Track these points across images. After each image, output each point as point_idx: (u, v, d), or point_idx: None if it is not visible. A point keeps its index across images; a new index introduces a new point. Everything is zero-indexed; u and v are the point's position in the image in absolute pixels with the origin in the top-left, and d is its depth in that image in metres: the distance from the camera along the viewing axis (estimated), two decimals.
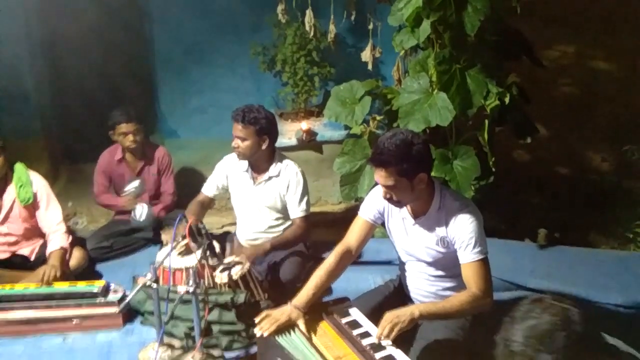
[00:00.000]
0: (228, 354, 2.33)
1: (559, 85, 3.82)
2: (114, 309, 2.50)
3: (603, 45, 3.76)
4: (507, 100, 2.77)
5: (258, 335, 2.00)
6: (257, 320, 2.04)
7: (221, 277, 2.43)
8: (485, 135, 2.80)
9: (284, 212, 2.83)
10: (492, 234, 2.67)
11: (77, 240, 3.06)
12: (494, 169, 2.90)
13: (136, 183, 3.19)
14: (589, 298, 2.66)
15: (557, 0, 3.58)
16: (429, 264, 2.19)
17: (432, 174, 2.28)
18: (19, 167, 2.86)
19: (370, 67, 3.33)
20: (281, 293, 2.50)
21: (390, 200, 2.07)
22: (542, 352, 1.12)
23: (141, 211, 3.08)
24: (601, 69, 3.84)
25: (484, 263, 2.03)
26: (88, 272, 2.93)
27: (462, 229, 2.04)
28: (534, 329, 1.14)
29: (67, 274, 2.71)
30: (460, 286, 2.12)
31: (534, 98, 3.16)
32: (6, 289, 2.57)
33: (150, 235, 3.23)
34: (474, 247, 2.02)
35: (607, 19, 3.66)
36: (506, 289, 2.77)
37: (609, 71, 3.83)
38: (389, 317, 1.92)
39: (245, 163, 2.82)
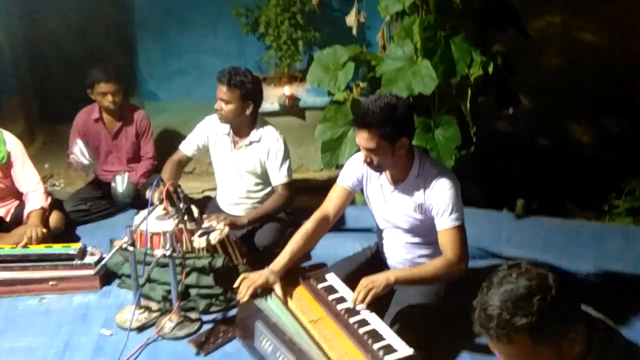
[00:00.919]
0: (205, 317, 2.35)
1: (544, 56, 3.80)
2: (91, 272, 2.49)
3: (590, 16, 3.73)
4: (490, 69, 2.75)
5: (240, 301, 2.02)
6: (235, 284, 2.06)
7: (199, 242, 2.42)
8: (468, 105, 2.79)
9: (264, 178, 2.81)
10: (470, 203, 2.69)
11: (55, 203, 3.01)
12: (474, 139, 2.90)
13: (79, 142, 2.90)
14: (563, 267, 2.72)
15: None
16: (406, 231, 2.21)
17: (414, 142, 2.28)
18: None
19: (354, 32, 3.26)
20: (259, 258, 2.51)
21: (370, 164, 2.07)
22: (518, 316, 1.13)
23: (121, 181, 3.02)
24: (587, 41, 3.82)
25: (460, 230, 2.06)
26: (66, 234, 2.90)
27: (440, 196, 2.05)
28: (510, 293, 1.15)
29: (45, 235, 2.67)
30: (436, 253, 2.15)
31: (519, 68, 3.14)
32: None
33: (128, 200, 3.20)
34: (450, 214, 2.04)
35: None
36: (482, 257, 2.81)
37: (595, 43, 3.82)
38: (365, 282, 1.96)
39: (227, 126, 2.78)
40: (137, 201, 3.04)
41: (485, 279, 1.24)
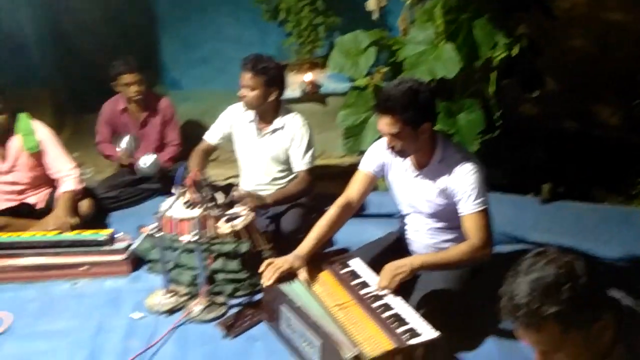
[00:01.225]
0: (232, 301, 2.40)
1: (570, 37, 3.71)
2: (121, 257, 2.56)
3: None
4: (515, 52, 2.71)
5: (265, 285, 2.05)
6: (261, 269, 2.09)
7: (225, 228, 2.46)
8: (492, 88, 2.76)
9: (288, 165, 2.83)
10: (495, 188, 2.68)
11: (85, 190, 3.10)
12: (499, 123, 2.87)
13: (126, 139, 3.17)
14: (590, 252, 2.69)
15: None
16: (430, 216, 2.21)
17: (437, 127, 2.27)
18: (22, 117, 2.86)
19: (375, 16, 3.24)
20: (283, 244, 2.54)
21: (393, 149, 2.07)
22: (546, 305, 1.12)
23: (146, 159, 3.10)
24: (614, 20, 3.71)
25: (484, 214, 2.05)
26: (95, 221, 2.98)
27: (463, 180, 2.04)
28: (538, 281, 1.14)
29: (75, 224, 2.73)
30: (459, 238, 2.15)
31: (544, 50, 3.08)
32: (15, 237, 2.62)
33: (157, 186, 3.27)
34: (474, 199, 2.03)
35: None
36: (507, 242, 2.81)
37: (622, 23, 3.71)
38: (389, 267, 1.97)
39: (251, 114, 2.80)
40: (163, 183, 3.12)
41: (511, 267, 1.23)
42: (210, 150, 2.97)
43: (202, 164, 2.80)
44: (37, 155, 2.88)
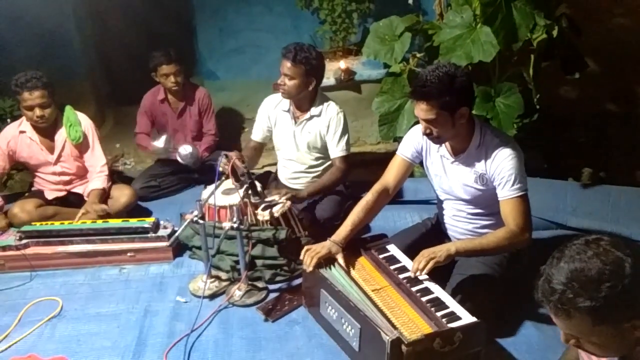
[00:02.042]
0: (271, 286, 2.46)
1: (613, 16, 3.58)
2: (165, 243, 2.65)
3: None
4: (555, 33, 2.63)
5: (307, 270, 2.10)
6: (301, 255, 2.13)
7: (263, 215, 2.52)
8: (531, 71, 2.69)
9: (324, 152, 2.86)
10: (534, 173, 2.64)
11: (127, 180, 3.20)
12: (538, 107, 2.81)
13: (164, 138, 3.25)
14: (632, 237, 2.63)
15: None
16: (467, 201, 2.20)
17: (474, 111, 2.25)
18: (67, 109, 2.98)
19: (411, 1, 3.21)
20: (320, 231, 2.58)
21: (429, 135, 2.06)
22: (581, 297, 1.10)
23: (185, 150, 3.18)
24: None
25: (523, 200, 2.02)
26: (138, 209, 3.09)
27: (502, 165, 2.02)
28: (580, 272, 1.11)
29: (104, 210, 2.84)
30: (497, 224, 2.13)
31: (585, 30, 2.98)
32: (65, 225, 2.75)
33: (195, 176, 3.35)
34: (513, 184, 2.01)
35: None
36: (546, 227, 2.77)
37: None
38: (425, 252, 1.97)
39: (287, 102, 2.83)
40: (201, 173, 3.21)
41: (553, 251, 1.19)
42: (259, 148, 3.02)
43: (253, 159, 2.86)
44: (81, 147, 2.99)
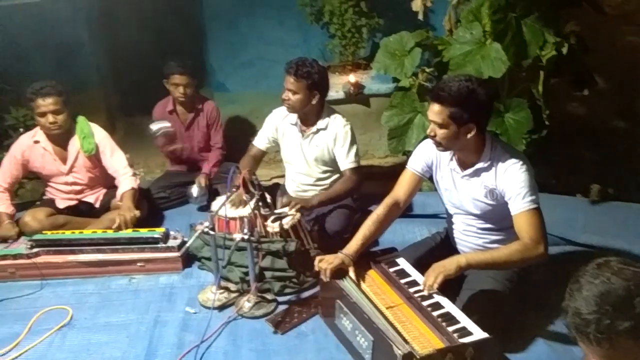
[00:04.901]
0: (280, 298, 2.46)
1: (622, 34, 3.60)
2: (175, 254, 2.66)
3: None
4: (564, 50, 2.66)
5: (324, 279, 2.10)
6: (315, 265, 2.14)
7: (273, 227, 2.53)
8: (540, 87, 2.72)
9: (332, 165, 2.88)
10: (543, 189, 2.63)
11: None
12: (547, 123, 2.82)
13: (165, 123, 3.27)
14: None
15: None
16: (477, 216, 2.21)
17: None
18: (81, 120, 3.01)
19: (421, 17, 3.24)
20: (329, 243, 2.59)
21: (433, 138, 2.07)
22: (619, 320, 1.07)
23: (196, 190, 3.19)
24: None
25: (536, 213, 2.02)
26: (148, 220, 3.10)
27: (513, 180, 2.03)
28: (606, 295, 1.09)
29: (138, 217, 2.82)
30: (508, 240, 2.13)
31: (594, 47, 3.01)
32: (76, 234, 2.77)
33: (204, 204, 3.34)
34: (524, 197, 2.01)
35: None
36: (555, 243, 2.76)
37: None
38: (436, 267, 1.97)
39: (294, 116, 2.86)
40: (211, 197, 3.18)
41: (563, 271, 1.19)
42: (260, 155, 3.04)
43: (252, 167, 2.86)
44: (95, 157, 3.02)
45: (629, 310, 1.07)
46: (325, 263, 2.11)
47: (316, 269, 2.14)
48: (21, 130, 3.42)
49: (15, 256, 2.66)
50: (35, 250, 2.68)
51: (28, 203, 3.22)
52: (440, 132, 2.03)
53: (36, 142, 2.95)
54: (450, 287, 2.02)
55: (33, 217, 2.88)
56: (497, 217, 2.16)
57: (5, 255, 2.66)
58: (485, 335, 1.78)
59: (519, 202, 2.02)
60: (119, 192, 2.95)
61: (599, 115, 3.55)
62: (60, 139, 2.96)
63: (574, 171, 3.23)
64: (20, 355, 2.18)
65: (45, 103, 2.82)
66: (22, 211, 3.00)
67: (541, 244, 1.98)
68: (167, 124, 3.30)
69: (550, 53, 2.66)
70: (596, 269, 1.14)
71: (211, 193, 3.22)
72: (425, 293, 1.98)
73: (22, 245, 2.71)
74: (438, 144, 2.08)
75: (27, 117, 3.54)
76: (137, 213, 2.82)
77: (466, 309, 1.98)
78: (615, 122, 3.64)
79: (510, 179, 2.04)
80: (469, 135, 2.02)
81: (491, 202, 2.13)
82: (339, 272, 2.12)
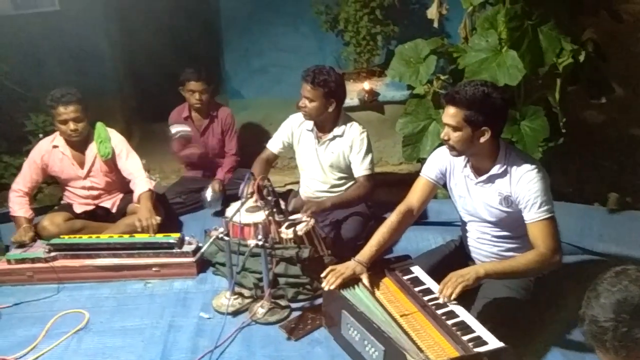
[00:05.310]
0: (294, 305, 2.46)
1: (638, 41, 3.57)
2: (190, 259, 2.68)
3: None
4: (581, 58, 2.64)
5: (325, 289, 2.10)
6: (323, 274, 2.14)
7: (287, 233, 2.53)
8: (557, 95, 2.71)
9: (347, 172, 2.88)
10: (559, 197, 2.62)
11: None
12: (564, 130, 2.80)
13: (184, 127, 3.30)
14: None
15: None
16: (492, 224, 2.19)
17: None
18: (98, 125, 3.06)
19: (436, 24, 3.25)
20: (343, 250, 2.59)
21: (447, 142, 2.07)
22: (636, 327, 1.07)
23: (210, 194, 3.19)
24: None
25: (552, 222, 2.01)
26: (164, 225, 3.12)
27: (528, 188, 2.02)
28: (624, 303, 1.09)
29: (159, 223, 2.82)
30: (523, 247, 2.12)
31: (611, 55, 2.99)
32: (93, 238, 2.80)
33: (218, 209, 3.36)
34: (540, 206, 2.00)
35: None
36: (572, 252, 2.73)
37: None
38: (453, 276, 1.95)
39: (311, 122, 2.87)
40: (225, 203, 3.20)
41: (580, 280, 1.19)
42: (272, 159, 3.06)
43: (264, 172, 2.88)
44: (111, 162, 3.06)
45: None
46: (336, 274, 2.10)
47: (322, 276, 2.13)
48: (40, 136, 3.48)
49: (34, 260, 2.70)
50: (52, 254, 2.72)
51: (46, 207, 3.27)
52: (455, 136, 2.02)
53: (55, 146, 3.00)
54: (465, 295, 2.00)
55: (51, 222, 2.92)
56: (512, 224, 2.15)
57: (24, 259, 2.71)
58: (500, 344, 1.77)
59: (534, 211, 2.01)
60: (135, 194, 2.97)
61: (617, 123, 3.52)
62: (79, 144, 3.01)
63: (591, 179, 3.21)
64: (38, 358, 2.21)
65: (67, 111, 2.86)
66: (41, 215, 3.05)
67: (557, 253, 1.99)
68: (187, 128, 3.35)
69: (567, 60, 2.65)
70: (614, 277, 1.14)
71: (225, 199, 3.24)
72: (440, 301, 1.97)
73: (40, 249, 2.75)
74: (452, 148, 2.08)
75: (47, 123, 3.60)
76: (159, 219, 2.83)
77: (481, 318, 1.96)
78: (633, 130, 3.60)
79: (525, 186, 2.02)
80: (483, 139, 2.02)
81: (506, 209, 2.12)
82: (351, 281, 2.11)
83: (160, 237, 2.76)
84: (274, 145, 3.01)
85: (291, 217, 2.61)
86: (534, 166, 2.05)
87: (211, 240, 2.40)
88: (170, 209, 3.26)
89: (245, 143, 3.66)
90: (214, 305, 2.47)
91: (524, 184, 2.03)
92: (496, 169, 2.09)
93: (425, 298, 2.02)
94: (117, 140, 3.08)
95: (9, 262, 2.71)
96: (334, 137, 2.84)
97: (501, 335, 1.81)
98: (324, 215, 2.80)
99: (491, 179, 2.12)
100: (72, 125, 2.89)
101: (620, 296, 1.10)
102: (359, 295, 2.08)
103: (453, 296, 1.92)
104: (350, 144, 2.81)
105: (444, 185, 2.32)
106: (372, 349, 1.90)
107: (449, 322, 1.87)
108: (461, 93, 1.98)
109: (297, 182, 3.18)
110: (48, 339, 2.31)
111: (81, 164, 3.04)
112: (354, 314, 2.00)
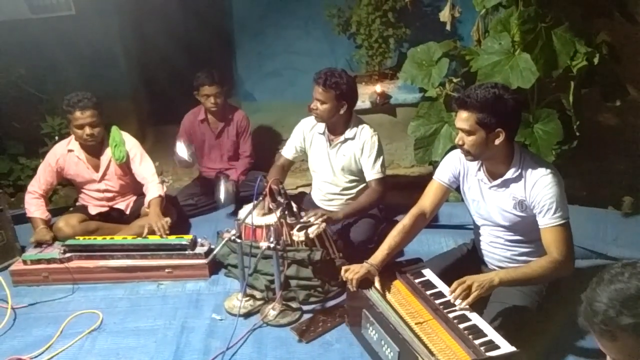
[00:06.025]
0: (305, 307, 2.47)
1: None
2: (202, 261, 2.70)
3: None
4: (595, 60, 2.62)
5: (351, 289, 2.11)
6: (342, 275, 2.14)
7: (298, 236, 2.54)
8: (570, 98, 2.68)
9: (359, 175, 2.89)
10: (573, 201, 2.59)
11: (168, 198, 3.28)
12: (578, 133, 2.78)
13: (185, 151, 3.14)
14: None
15: None
16: (505, 228, 2.18)
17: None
18: (113, 129, 3.09)
19: (448, 27, 3.24)
20: (354, 253, 2.59)
21: (462, 147, 2.06)
22: (623, 315, 1.13)
23: (224, 191, 3.19)
24: None
25: (566, 228, 2.00)
26: (176, 226, 3.15)
27: (543, 193, 2.00)
28: (619, 292, 1.15)
29: (170, 224, 2.85)
30: (536, 252, 2.11)
31: (626, 57, 2.96)
32: (107, 240, 2.83)
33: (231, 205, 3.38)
34: (555, 212, 1.98)
35: None
36: (586, 257, 2.71)
37: None
38: (468, 281, 1.94)
39: (322, 125, 2.88)
40: (238, 204, 3.21)
41: (590, 281, 1.23)
42: (288, 165, 3.06)
43: (280, 176, 2.87)
44: (126, 165, 3.10)
45: (636, 308, 1.13)
46: (351, 273, 2.11)
47: (343, 279, 2.14)
48: (56, 138, 3.53)
49: (49, 260, 2.74)
50: (67, 255, 2.75)
51: (61, 209, 3.32)
52: (469, 140, 2.02)
53: (70, 150, 3.04)
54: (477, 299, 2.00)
55: (66, 223, 2.96)
56: (525, 228, 2.13)
57: (40, 260, 2.75)
58: (512, 349, 1.76)
59: (549, 217, 1.99)
60: (146, 200, 3.01)
61: (631, 126, 3.48)
62: (94, 148, 3.04)
63: (605, 183, 3.18)
64: (52, 357, 2.24)
65: (84, 116, 2.90)
66: (56, 217, 3.09)
67: (570, 260, 1.99)
68: (186, 158, 3.14)
69: (581, 63, 2.63)
70: (620, 268, 1.20)
71: (239, 200, 3.25)
72: (451, 301, 1.96)
73: (55, 250, 2.79)
74: (467, 153, 2.07)
75: (62, 125, 3.66)
76: (168, 220, 2.86)
77: (494, 322, 1.95)
78: None
79: (540, 192, 2.01)
80: (497, 142, 2.00)
81: (520, 214, 2.10)
82: (366, 282, 2.12)
83: (173, 239, 2.78)
84: (287, 152, 3.02)
85: (303, 220, 2.61)
86: (549, 170, 2.04)
87: (223, 242, 2.41)
88: (182, 211, 3.29)
89: (257, 146, 3.67)
90: (226, 306, 2.49)
91: (540, 188, 2.01)
92: (511, 173, 2.08)
93: (437, 301, 2.02)
94: (132, 144, 3.11)
95: (25, 262, 2.75)
96: (346, 140, 2.84)
97: (513, 339, 1.81)
98: (335, 222, 2.79)
99: (506, 183, 2.10)
100: (88, 130, 2.93)
101: (618, 286, 1.16)
102: (374, 298, 2.08)
103: (465, 303, 1.91)
104: (362, 147, 2.81)
105: (457, 189, 2.32)
106: (388, 349, 1.91)
107: (461, 326, 1.87)
108: (472, 96, 1.97)
109: (309, 185, 3.19)
110: (63, 338, 2.34)
111: (96, 168, 3.07)
112: (374, 314, 2.01)
